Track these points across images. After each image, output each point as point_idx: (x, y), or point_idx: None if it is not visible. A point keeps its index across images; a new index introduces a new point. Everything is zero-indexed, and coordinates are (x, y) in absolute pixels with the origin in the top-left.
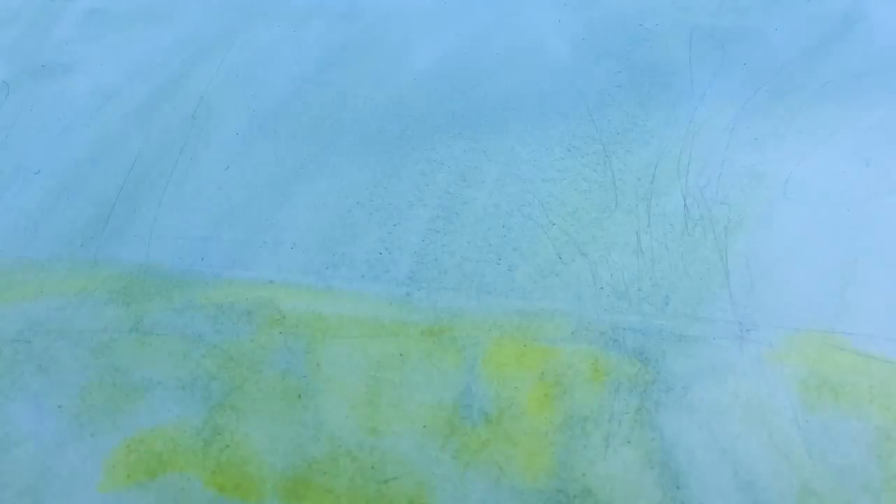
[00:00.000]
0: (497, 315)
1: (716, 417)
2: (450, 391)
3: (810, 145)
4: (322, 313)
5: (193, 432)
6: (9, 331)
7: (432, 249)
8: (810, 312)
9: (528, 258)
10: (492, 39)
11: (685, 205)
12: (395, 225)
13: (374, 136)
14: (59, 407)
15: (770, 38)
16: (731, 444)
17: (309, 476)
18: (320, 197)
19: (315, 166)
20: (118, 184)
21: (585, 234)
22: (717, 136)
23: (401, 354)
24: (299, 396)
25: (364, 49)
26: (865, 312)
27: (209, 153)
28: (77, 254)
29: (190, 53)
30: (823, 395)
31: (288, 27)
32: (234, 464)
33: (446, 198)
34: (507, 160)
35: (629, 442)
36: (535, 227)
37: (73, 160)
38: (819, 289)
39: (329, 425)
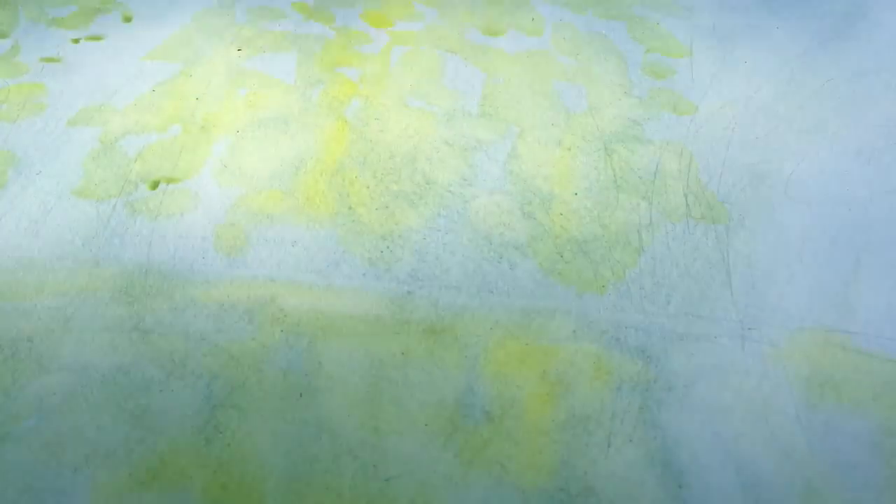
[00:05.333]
0: (499, 314)
1: (718, 416)
2: (451, 390)
3: (812, 144)
4: (323, 311)
5: (195, 431)
6: (11, 329)
7: (434, 248)
8: (812, 311)
9: (529, 257)
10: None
11: (687, 203)
12: (396, 223)
13: (376, 134)
14: (61, 405)
15: (771, 37)
16: (733, 443)
17: (310, 474)
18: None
19: (315, 164)
20: (119, 184)
21: (587, 233)
22: (719, 135)
23: (402, 353)
24: (301, 395)
25: None
26: (867, 311)
27: (209, 152)
28: (78, 254)
29: (189, 54)
30: (826, 393)
31: (293, 24)
32: (236, 462)
33: (448, 196)
34: (508, 158)
35: (631, 441)
36: (537, 226)
37: (75, 160)
38: (821, 287)
39: (331, 424)
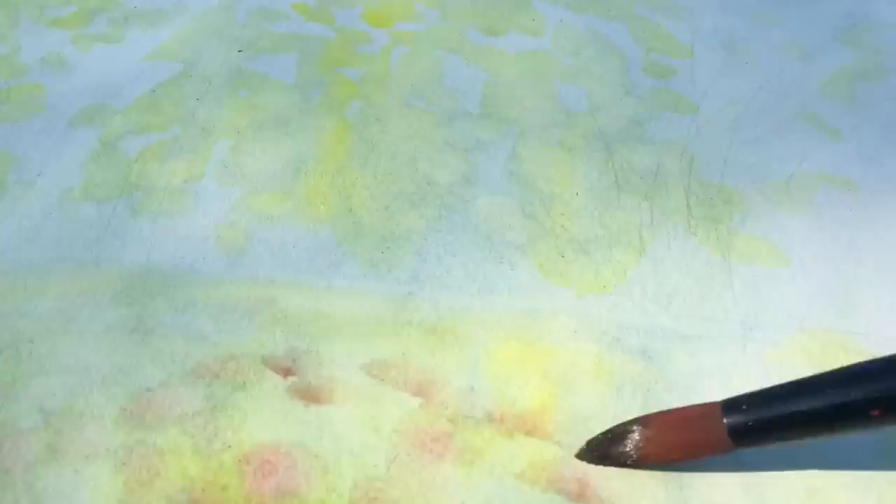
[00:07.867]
0: (500, 314)
1: None
2: (452, 390)
3: (813, 145)
4: (324, 312)
5: (195, 432)
6: (11, 330)
7: (434, 248)
8: (813, 311)
9: (530, 257)
10: (496, 38)
11: (688, 203)
12: (396, 224)
13: (376, 134)
14: (61, 405)
15: (772, 37)
16: None
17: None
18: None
19: (316, 165)
20: (120, 185)
21: (588, 233)
22: (720, 135)
23: (403, 354)
24: (301, 395)
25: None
26: (869, 311)
27: (209, 153)
28: (79, 255)
29: (189, 54)
30: None
31: (295, 26)
32: (237, 463)
33: (448, 196)
34: (509, 159)
35: None
36: (538, 226)
37: (75, 161)
38: (822, 288)
39: (331, 424)
